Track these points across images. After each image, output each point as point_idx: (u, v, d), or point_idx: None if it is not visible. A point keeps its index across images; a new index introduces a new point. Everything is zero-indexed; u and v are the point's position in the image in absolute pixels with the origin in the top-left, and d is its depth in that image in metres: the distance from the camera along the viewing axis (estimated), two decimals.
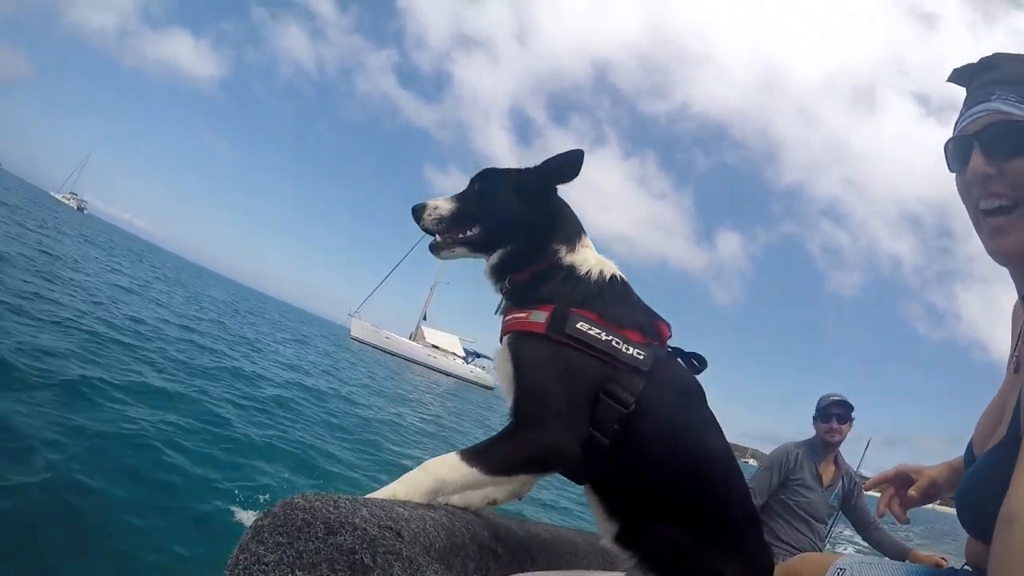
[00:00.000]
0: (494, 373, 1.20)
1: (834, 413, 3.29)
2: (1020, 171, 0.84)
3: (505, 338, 1.17)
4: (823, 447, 3.34)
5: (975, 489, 0.84)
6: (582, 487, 1.16)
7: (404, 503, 0.92)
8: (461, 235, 1.30)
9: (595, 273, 1.21)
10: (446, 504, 1.12)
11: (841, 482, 3.38)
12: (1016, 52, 0.90)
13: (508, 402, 1.10)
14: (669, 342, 1.23)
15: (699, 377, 1.25)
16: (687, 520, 1.09)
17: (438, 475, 1.01)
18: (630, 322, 1.16)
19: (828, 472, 3.35)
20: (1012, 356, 0.94)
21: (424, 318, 54.97)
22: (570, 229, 1.29)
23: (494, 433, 1.08)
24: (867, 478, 3.58)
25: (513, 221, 1.28)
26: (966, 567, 1.00)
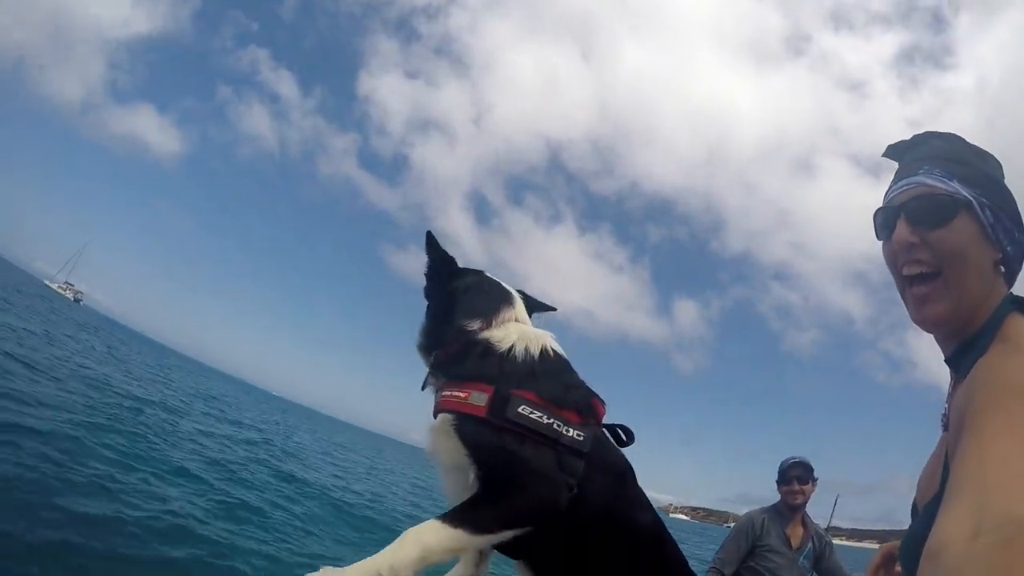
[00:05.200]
0: (431, 447, 1.18)
1: (794, 475, 3.40)
2: (941, 240, 0.88)
3: (445, 416, 1.14)
4: (788, 510, 3.43)
5: (915, 544, 0.83)
6: (515, 562, 1.17)
7: None
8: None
9: (519, 349, 1.19)
10: None
11: (811, 543, 3.42)
12: (944, 131, 0.97)
13: (454, 478, 1.13)
14: (603, 419, 1.23)
15: (635, 448, 1.27)
16: None
17: (422, 542, 0.99)
18: (567, 402, 1.15)
19: (796, 535, 3.42)
20: (943, 414, 0.97)
21: None
22: (481, 304, 1.27)
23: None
24: (839, 529, 3.64)
25: (428, 303, 1.38)
26: None
